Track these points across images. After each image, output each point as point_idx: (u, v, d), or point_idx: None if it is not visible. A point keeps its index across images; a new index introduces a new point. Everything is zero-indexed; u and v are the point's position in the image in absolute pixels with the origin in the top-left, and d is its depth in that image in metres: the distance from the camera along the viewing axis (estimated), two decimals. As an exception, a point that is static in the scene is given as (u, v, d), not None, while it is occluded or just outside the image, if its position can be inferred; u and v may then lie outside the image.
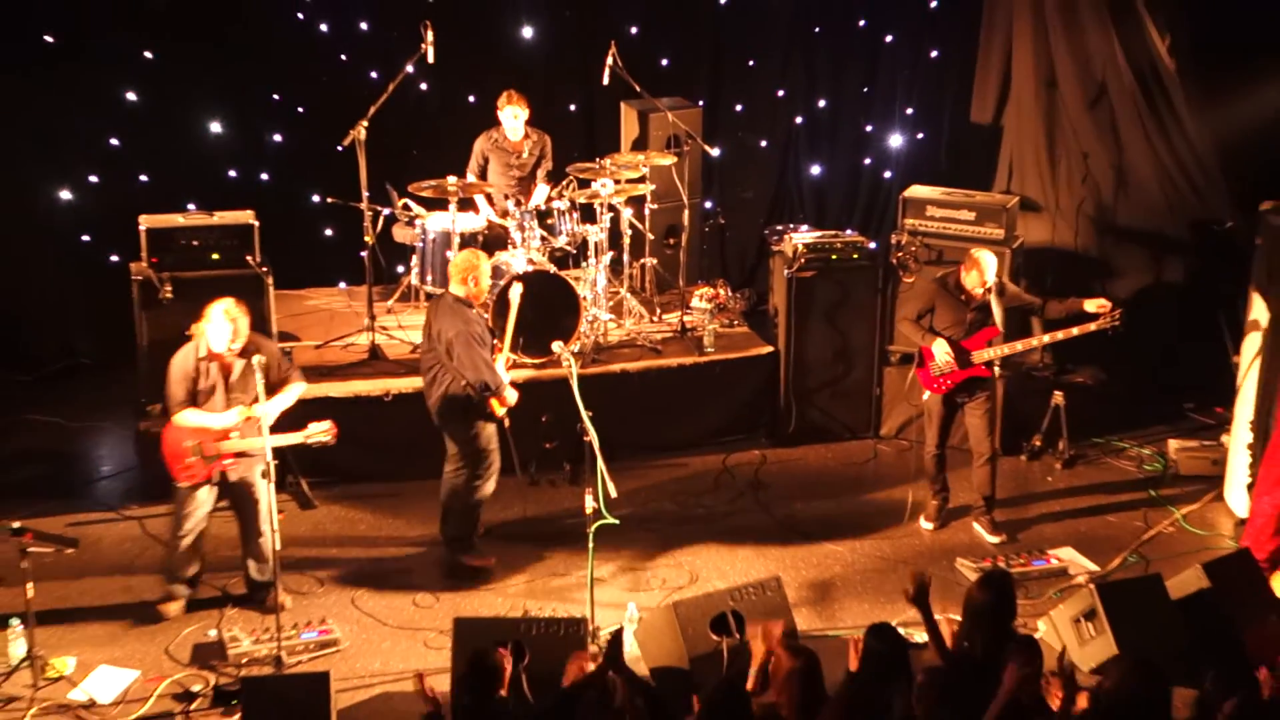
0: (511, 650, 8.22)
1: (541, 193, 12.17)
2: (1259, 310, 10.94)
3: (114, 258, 12.27)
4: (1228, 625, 9.15)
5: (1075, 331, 10.44)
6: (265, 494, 9.17)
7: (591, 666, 7.58)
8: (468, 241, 11.70)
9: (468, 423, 9.96)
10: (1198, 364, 12.59)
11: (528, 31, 13.50)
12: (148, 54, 12.50)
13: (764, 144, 14.74)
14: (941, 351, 10.37)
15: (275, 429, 9.14)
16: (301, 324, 12.25)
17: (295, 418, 9.49)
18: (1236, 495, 11.16)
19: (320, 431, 9.33)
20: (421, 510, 10.91)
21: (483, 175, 12.24)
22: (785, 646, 7.65)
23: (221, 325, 8.97)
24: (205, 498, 9.34)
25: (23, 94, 12.27)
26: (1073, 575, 10.28)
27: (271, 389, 9.17)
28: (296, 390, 9.44)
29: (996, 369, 10.59)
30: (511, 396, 9.89)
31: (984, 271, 10.36)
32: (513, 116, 12.13)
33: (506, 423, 10.06)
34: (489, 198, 12.34)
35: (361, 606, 9.78)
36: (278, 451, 9.05)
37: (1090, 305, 10.39)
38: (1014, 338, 10.73)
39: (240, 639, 9.20)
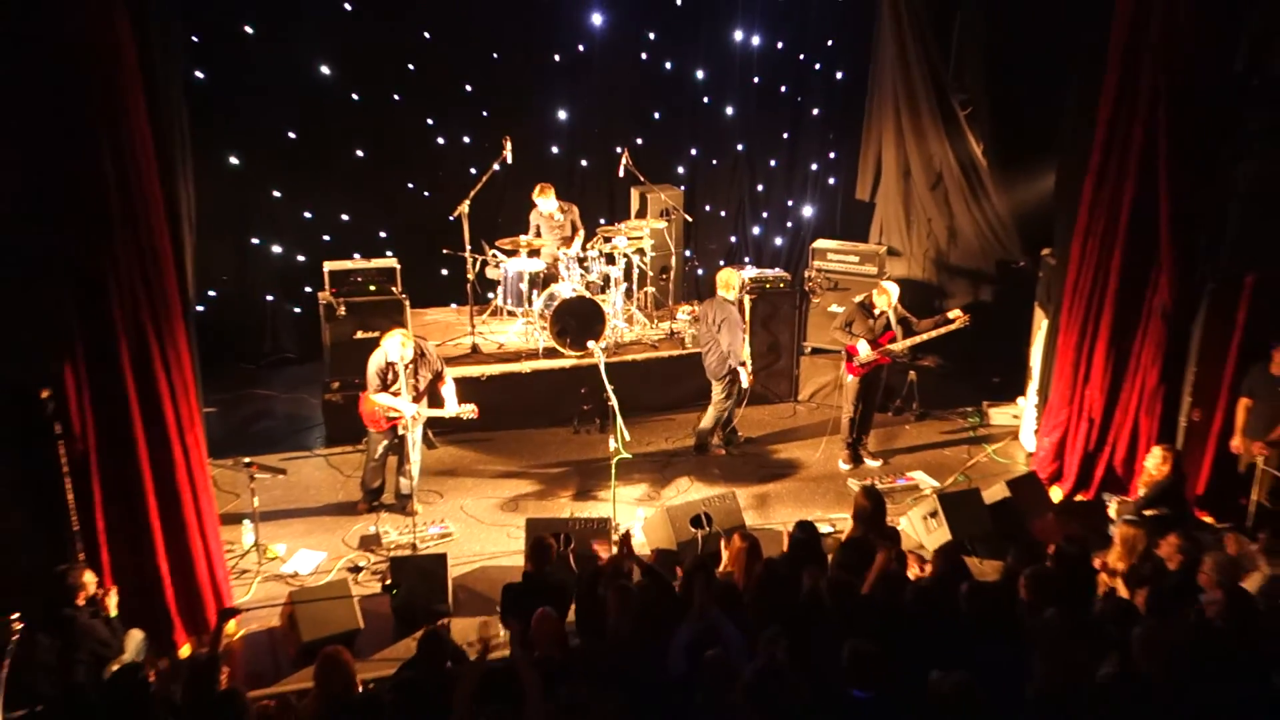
0: (562, 538, 8.26)
1: (577, 242, 12.14)
2: (1040, 319, 10.95)
3: (308, 289, 12.28)
4: (1021, 520, 9.20)
5: (943, 330, 10.32)
6: (417, 441, 9.31)
7: (610, 551, 7.60)
8: (534, 279, 11.71)
9: (725, 377, 10.43)
10: (1003, 352, 12.59)
11: (571, 142, 13.49)
12: (328, 159, 12.48)
13: (723, 214, 14.71)
14: (865, 348, 10.27)
15: (435, 403, 9.43)
16: (427, 330, 12.19)
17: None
18: (1027, 437, 11.16)
19: (467, 411, 9.29)
20: (507, 450, 10.92)
21: (537, 235, 12.23)
22: (737, 534, 7.65)
23: (395, 347, 9.02)
24: (383, 439, 9.39)
25: (249, 186, 12.26)
26: (922, 489, 10.30)
27: (434, 377, 9.30)
28: (451, 385, 9.46)
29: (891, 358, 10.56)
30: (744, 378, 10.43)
31: (890, 296, 10.34)
32: (545, 201, 12.03)
33: (746, 385, 10.50)
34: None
35: (468, 511, 9.79)
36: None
37: (951, 315, 10.36)
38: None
39: (390, 532, 9.26)
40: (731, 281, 10.48)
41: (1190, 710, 5.54)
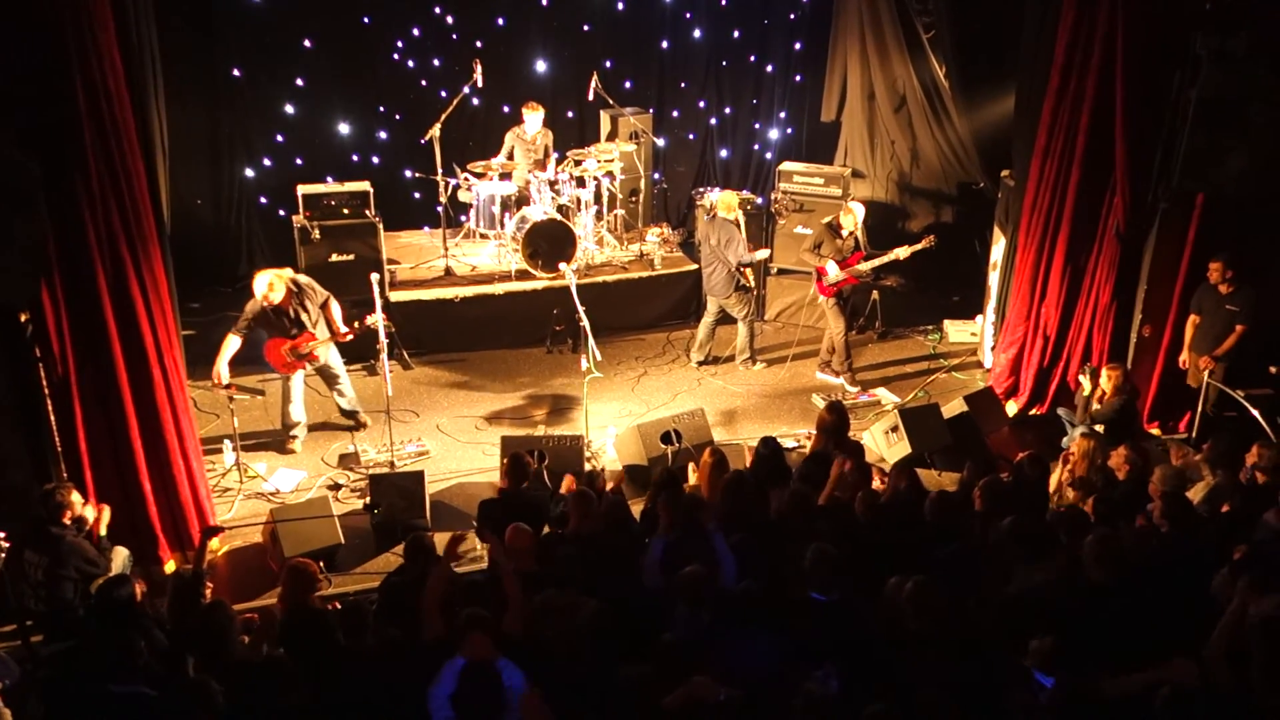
0: (536, 455, 8.30)
1: (551, 166, 12.02)
2: (999, 238, 10.98)
3: (282, 212, 12.11)
4: (978, 434, 9.30)
5: (911, 249, 10.36)
6: (337, 362, 9.34)
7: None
8: (505, 202, 11.58)
9: (730, 293, 10.66)
10: (962, 272, 12.62)
11: (541, 65, 13.28)
12: (299, 81, 12.24)
13: (691, 137, 14.57)
14: (834, 269, 10.26)
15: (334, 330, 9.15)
16: (401, 253, 12.09)
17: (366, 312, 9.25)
18: (985, 354, 11.25)
19: (377, 320, 8.92)
20: (481, 370, 10.88)
21: (510, 157, 12.09)
22: (707, 450, 7.70)
23: (261, 287, 8.77)
24: (298, 380, 9.25)
25: (221, 109, 12.00)
26: (884, 404, 10.37)
27: (323, 304, 9.06)
28: (336, 307, 9.14)
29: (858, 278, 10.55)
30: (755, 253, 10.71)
31: (856, 216, 10.36)
32: (534, 116, 11.95)
33: (751, 284, 10.77)
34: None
35: (443, 429, 9.79)
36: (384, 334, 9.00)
37: (905, 249, 10.36)
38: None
39: (368, 450, 9.27)
40: (731, 203, 10.74)
41: (1133, 611, 5.67)
